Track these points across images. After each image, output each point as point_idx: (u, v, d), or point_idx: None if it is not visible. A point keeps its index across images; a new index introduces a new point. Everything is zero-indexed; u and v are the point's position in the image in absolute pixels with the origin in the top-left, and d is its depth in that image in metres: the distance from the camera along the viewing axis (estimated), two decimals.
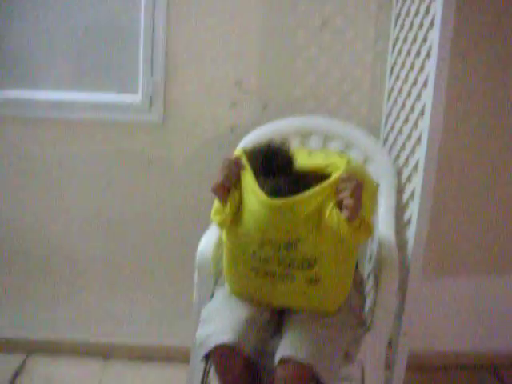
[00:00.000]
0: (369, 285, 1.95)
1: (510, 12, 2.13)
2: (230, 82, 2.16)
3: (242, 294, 1.63)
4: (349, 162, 1.59)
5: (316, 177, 1.56)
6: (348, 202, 1.45)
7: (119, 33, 2.16)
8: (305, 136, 2.01)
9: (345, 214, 1.46)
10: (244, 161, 1.58)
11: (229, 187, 1.55)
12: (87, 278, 2.36)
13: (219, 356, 1.52)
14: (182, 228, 2.27)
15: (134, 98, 2.18)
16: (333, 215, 1.47)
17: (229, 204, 1.55)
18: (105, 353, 2.39)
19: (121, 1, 2.13)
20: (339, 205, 1.48)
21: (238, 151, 1.68)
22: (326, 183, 1.50)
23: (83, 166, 2.24)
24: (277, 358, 1.49)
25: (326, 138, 2.03)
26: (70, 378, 2.28)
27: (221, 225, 1.59)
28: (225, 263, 1.64)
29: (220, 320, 1.57)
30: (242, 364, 1.51)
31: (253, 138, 2.02)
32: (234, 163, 1.57)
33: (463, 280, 2.37)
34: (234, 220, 1.56)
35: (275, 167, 1.56)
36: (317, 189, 1.49)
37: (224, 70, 2.15)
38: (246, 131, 2.05)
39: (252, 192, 1.53)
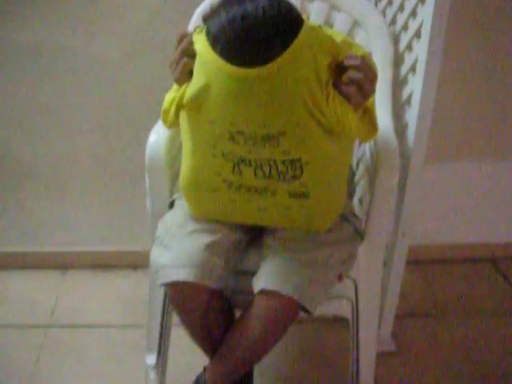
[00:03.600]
0: (357, 174, 1.64)
1: None
2: None
3: (207, 214, 1.29)
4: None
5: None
6: (359, 81, 1.09)
7: None
8: None
9: (351, 96, 1.10)
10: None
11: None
12: (33, 182, 2.02)
13: (176, 294, 1.23)
14: (132, 121, 1.91)
15: None
16: (334, 100, 1.11)
17: (183, 86, 1.16)
18: (62, 263, 2.13)
19: None
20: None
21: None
22: (315, 35, 1.08)
23: (26, 47, 1.80)
24: (257, 287, 1.21)
25: (304, 1, 1.62)
26: (27, 293, 2.04)
27: (170, 120, 1.21)
28: (185, 174, 1.26)
29: (177, 248, 1.25)
30: (206, 300, 1.23)
31: None
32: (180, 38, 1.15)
33: (462, 166, 2.07)
34: (195, 107, 1.15)
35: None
36: (301, 43, 1.05)
37: None
38: None
39: (212, 64, 1.09)
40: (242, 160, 1.16)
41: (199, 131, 1.17)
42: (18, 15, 1.77)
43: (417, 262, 2.13)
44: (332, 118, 1.11)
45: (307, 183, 1.17)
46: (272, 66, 1.04)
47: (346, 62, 1.11)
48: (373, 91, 1.15)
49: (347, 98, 1.11)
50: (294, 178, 1.16)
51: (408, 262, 1.68)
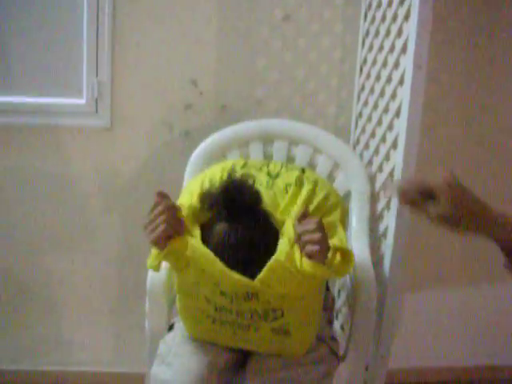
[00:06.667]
0: (339, 302, 1.78)
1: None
2: (184, 81, 1.95)
3: (200, 337, 1.42)
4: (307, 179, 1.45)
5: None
6: (313, 248, 1.19)
7: (60, 30, 1.92)
8: (267, 141, 1.81)
9: (313, 260, 1.21)
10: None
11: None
12: (29, 301, 2.12)
13: None
14: (134, 243, 2.06)
15: (78, 102, 1.96)
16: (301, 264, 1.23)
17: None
18: (54, 383, 2.16)
19: None
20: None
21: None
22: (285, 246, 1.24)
23: (26, 175, 2.00)
24: None
25: (291, 143, 1.83)
26: None
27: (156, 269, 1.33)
28: (178, 304, 1.42)
29: (178, 365, 1.37)
30: None
31: (210, 143, 1.82)
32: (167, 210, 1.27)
33: (439, 293, 2.22)
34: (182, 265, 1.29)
35: (241, 208, 1.26)
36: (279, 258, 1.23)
37: (178, 68, 1.95)
38: (203, 136, 1.83)
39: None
40: (224, 307, 1.30)
41: (184, 280, 1.33)
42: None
43: None
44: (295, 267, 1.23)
45: (289, 323, 1.32)
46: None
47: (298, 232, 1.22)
48: (325, 248, 1.23)
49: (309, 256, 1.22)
50: (276, 319, 1.30)
51: None
